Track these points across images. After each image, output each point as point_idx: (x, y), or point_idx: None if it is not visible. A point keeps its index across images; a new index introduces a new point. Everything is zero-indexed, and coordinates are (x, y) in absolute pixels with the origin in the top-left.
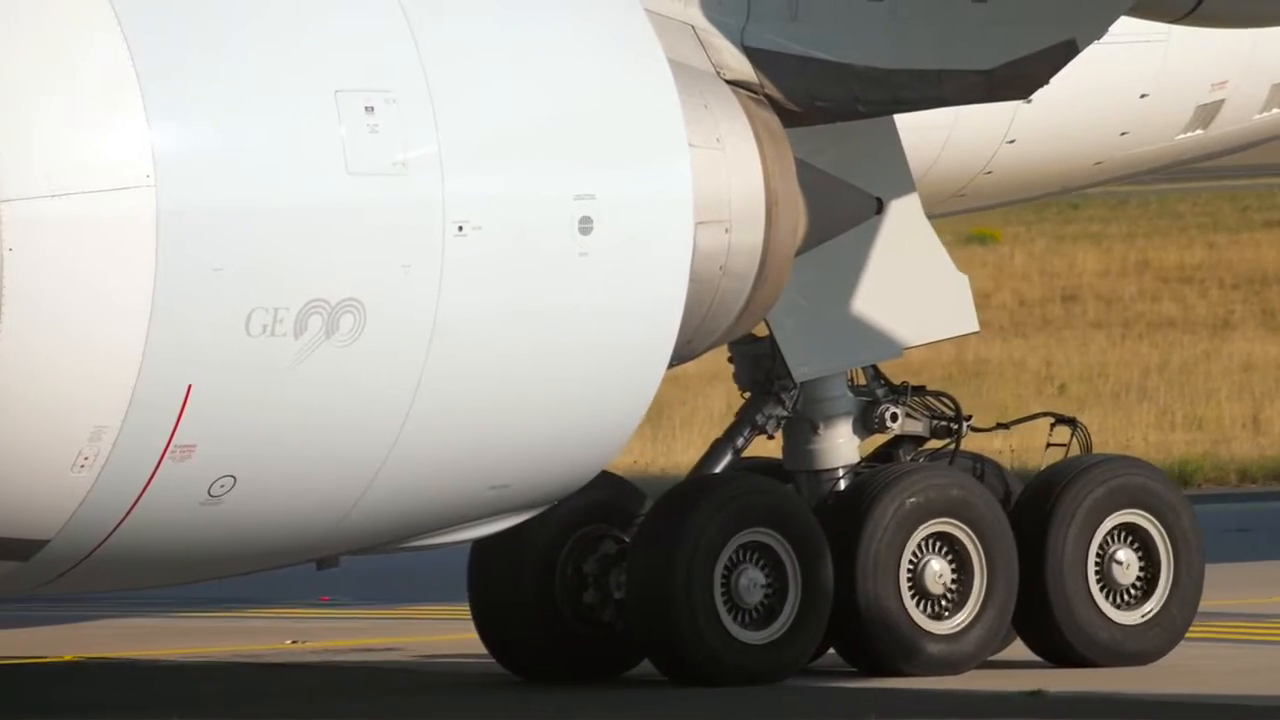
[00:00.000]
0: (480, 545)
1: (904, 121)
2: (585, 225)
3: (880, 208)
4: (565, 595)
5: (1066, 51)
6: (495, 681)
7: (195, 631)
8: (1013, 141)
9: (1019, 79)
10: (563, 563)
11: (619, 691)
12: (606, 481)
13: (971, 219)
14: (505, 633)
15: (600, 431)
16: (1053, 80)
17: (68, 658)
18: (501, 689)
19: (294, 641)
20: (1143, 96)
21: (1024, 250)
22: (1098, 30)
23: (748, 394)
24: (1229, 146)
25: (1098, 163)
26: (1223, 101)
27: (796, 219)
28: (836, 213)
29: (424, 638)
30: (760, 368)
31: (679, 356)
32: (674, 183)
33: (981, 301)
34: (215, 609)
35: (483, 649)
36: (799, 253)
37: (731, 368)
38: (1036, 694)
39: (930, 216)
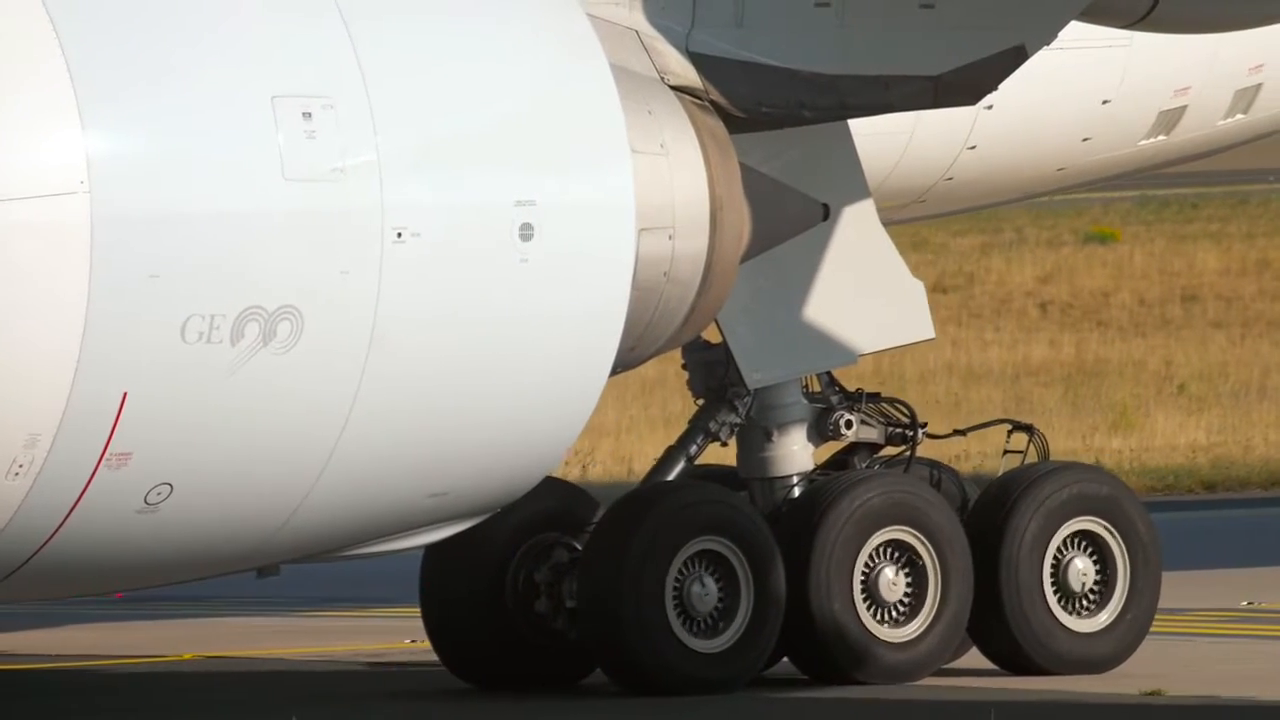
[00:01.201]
0: (432, 551)
1: (863, 127)
2: (526, 232)
3: (827, 214)
4: (517, 603)
5: (1015, 57)
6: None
7: (316, 631)
8: (974, 147)
9: (967, 85)
10: (514, 571)
11: (575, 701)
12: (559, 489)
13: (1093, 218)
14: (457, 640)
15: (542, 439)
16: (1014, 86)
17: (187, 655)
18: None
19: (413, 641)
20: (1105, 102)
21: (1144, 249)
22: (1047, 36)
23: (701, 401)
24: (1193, 152)
25: (1060, 168)
26: (1185, 107)
27: (741, 225)
28: (782, 219)
29: None
30: (714, 374)
31: (623, 363)
32: (616, 189)
33: (1101, 301)
34: (338, 608)
35: None
36: (745, 259)
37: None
38: (1154, 695)
39: (892, 223)
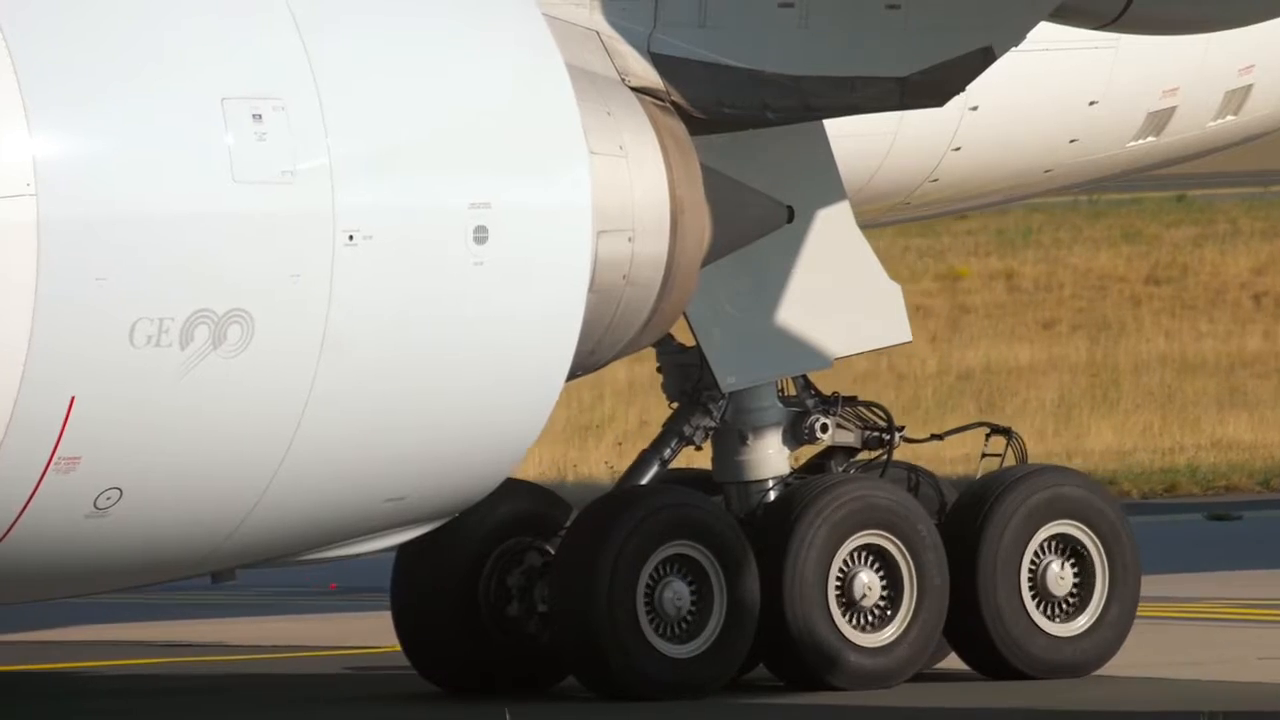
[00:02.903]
0: (404, 555)
1: (845, 128)
2: (480, 234)
3: (791, 216)
4: (489, 608)
5: (983, 59)
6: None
7: None
8: (959, 149)
9: (934, 86)
10: (487, 575)
11: (547, 705)
12: (532, 493)
13: None
14: (428, 644)
15: (498, 443)
16: (999, 88)
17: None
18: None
19: None
20: (1092, 104)
21: None
22: (1015, 37)
23: (675, 405)
24: (1184, 154)
25: (1048, 170)
26: (1175, 109)
27: (703, 227)
28: (745, 221)
29: None
30: (689, 378)
31: (583, 367)
32: (572, 191)
33: None
34: None
35: None
36: (707, 262)
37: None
38: None
39: (876, 225)
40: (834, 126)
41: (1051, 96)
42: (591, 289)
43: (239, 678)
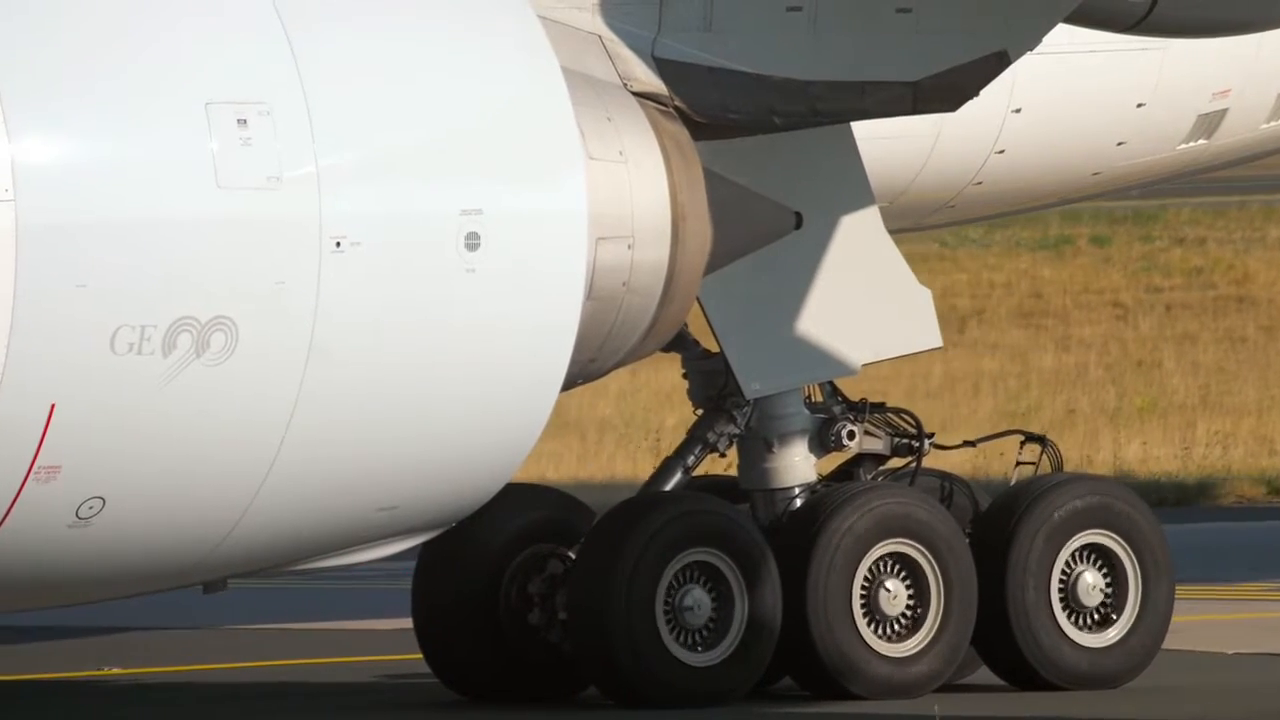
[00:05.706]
0: (425, 562)
1: (883, 130)
2: (472, 241)
3: (800, 222)
4: (510, 616)
5: (998, 63)
6: None
7: None
8: (1002, 152)
9: (947, 91)
10: (508, 583)
11: (566, 714)
12: (554, 499)
13: None
14: (449, 652)
15: (492, 452)
16: (1043, 89)
17: None
18: None
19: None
20: (1140, 106)
21: None
22: (1030, 41)
23: (699, 411)
24: (1237, 156)
25: (1096, 173)
26: (1226, 110)
27: (705, 234)
28: (750, 227)
29: None
30: (713, 384)
31: (584, 375)
32: (568, 197)
33: None
34: None
35: None
36: (710, 269)
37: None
38: None
39: (921, 229)
40: (872, 128)
41: (1098, 98)
42: (590, 296)
43: (263, 685)
